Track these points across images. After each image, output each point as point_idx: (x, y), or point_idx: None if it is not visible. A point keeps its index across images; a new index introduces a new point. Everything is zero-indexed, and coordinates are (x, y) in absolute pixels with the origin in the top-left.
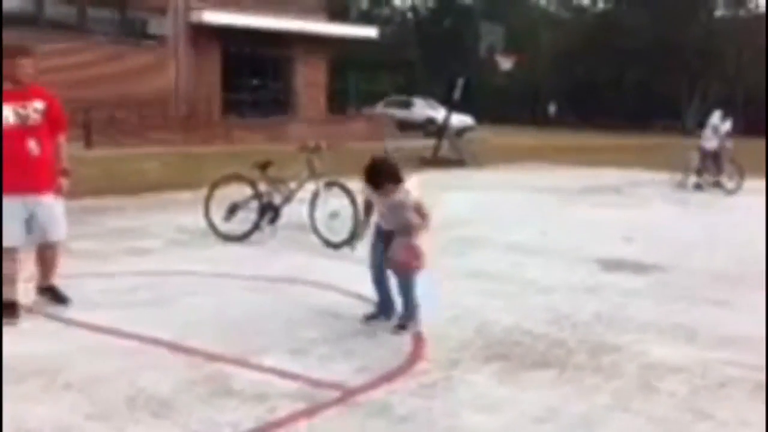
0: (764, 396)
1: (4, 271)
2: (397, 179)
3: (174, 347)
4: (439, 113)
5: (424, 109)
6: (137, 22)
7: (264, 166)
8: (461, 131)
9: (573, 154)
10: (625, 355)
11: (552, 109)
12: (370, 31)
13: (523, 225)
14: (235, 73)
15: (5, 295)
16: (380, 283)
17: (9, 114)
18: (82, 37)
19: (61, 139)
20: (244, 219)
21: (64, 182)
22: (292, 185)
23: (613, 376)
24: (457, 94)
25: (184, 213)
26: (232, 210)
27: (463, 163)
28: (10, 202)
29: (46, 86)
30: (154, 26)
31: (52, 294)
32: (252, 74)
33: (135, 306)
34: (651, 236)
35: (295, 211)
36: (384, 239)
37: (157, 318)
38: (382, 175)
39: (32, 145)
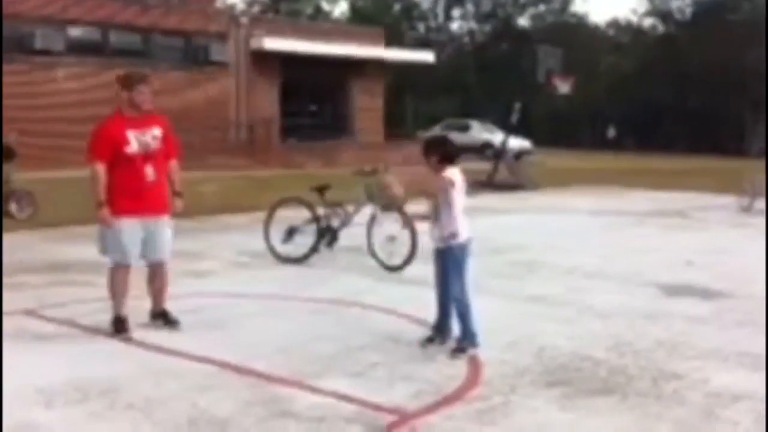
0: None
1: (119, 287)
2: (445, 159)
3: (234, 368)
4: (497, 137)
5: (481, 132)
6: (200, 49)
7: (322, 190)
8: (519, 154)
9: (633, 178)
10: (688, 382)
11: (611, 132)
12: (427, 56)
13: (582, 249)
14: (294, 98)
15: (117, 311)
16: (441, 304)
17: (132, 140)
18: (147, 65)
19: (174, 163)
20: (303, 242)
21: (179, 203)
22: (350, 208)
23: (675, 404)
24: (514, 117)
25: (243, 235)
26: (291, 233)
27: (521, 186)
28: (128, 224)
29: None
30: (217, 53)
31: (164, 319)
32: (310, 99)
33: (195, 327)
34: (715, 261)
35: (352, 234)
36: (440, 258)
37: (217, 339)
38: (434, 150)
39: (149, 171)
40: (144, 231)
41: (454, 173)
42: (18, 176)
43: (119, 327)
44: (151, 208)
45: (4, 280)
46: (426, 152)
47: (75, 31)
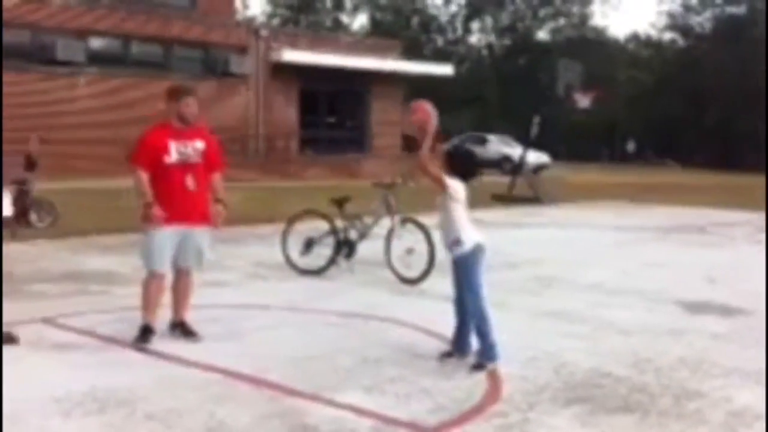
0: None
1: (151, 297)
2: (459, 173)
3: (252, 380)
4: (515, 150)
5: (499, 146)
6: (220, 61)
7: (340, 202)
8: (538, 168)
9: (653, 193)
10: (710, 401)
11: (631, 146)
12: (445, 69)
13: (601, 264)
14: (313, 110)
15: (147, 320)
16: (459, 317)
17: (172, 151)
18: (166, 76)
19: (217, 175)
20: (321, 254)
21: (221, 210)
22: (368, 221)
23: (697, 423)
24: (533, 131)
25: (261, 247)
26: (309, 245)
27: (540, 200)
28: (165, 232)
29: (132, 121)
30: (236, 65)
31: (182, 329)
32: (329, 112)
33: (213, 338)
34: (736, 278)
35: (370, 247)
36: (453, 269)
37: (234, 351)
38: (451, 162)
39: (189, 182)
40: (177, 240)
41: (456, 185)
42: (38, 185)
43: (145, 336)
44: (187, 217)
45: (24, 288)
46: (446, 162)
47: (96, 42)
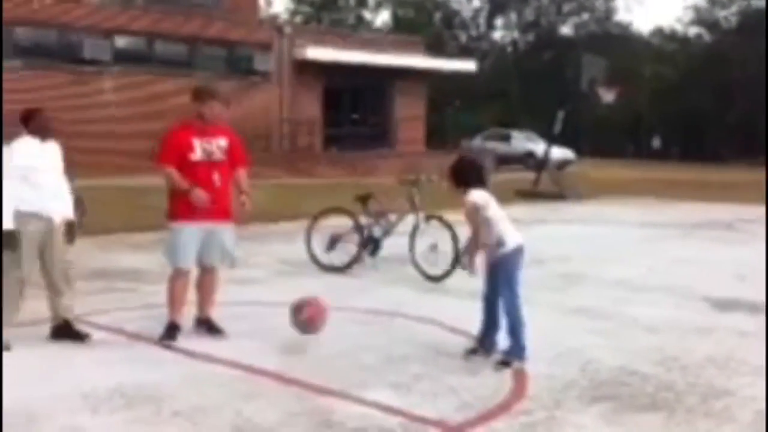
0: None
1: (177, 294)
2: (464, 184)
3: (278, 378)
4: (539, 146)
5: (523, 142)
6: (244, 59)
7: (364, 199)
8: (562, 164)
9: (679, 188)
10: (738, 399)
11: (656, 142)
12: (468, 65)
13: (627, 261)
14: (336, 107)
15: (172, 317)
16: (487, 316)
17: (197, 148)
18: (191, 74)
19: (242, 170)
20: (345, 251)
21: (246, 202)
22: (393, 218)
23: (725, 421)
24: (557, 127)
25: (285, 244)
26: (333, 242)
27: (564, 196)
28: (187, 229)
29: (156, 119)
30: (260, 62)
31: (208, 326)
32: (352, 109)
33: (238, 335)
34: (763, 275)
35: (395, 244)
36: (490, 270)
37: (260, 348)
38: (461, 175)
39: (215, 179)
40: (201, 237)
41: (474, 195)
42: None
43: (171, 333)
44: (212, 214)
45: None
46: (452, 177)
47: (121, 41)
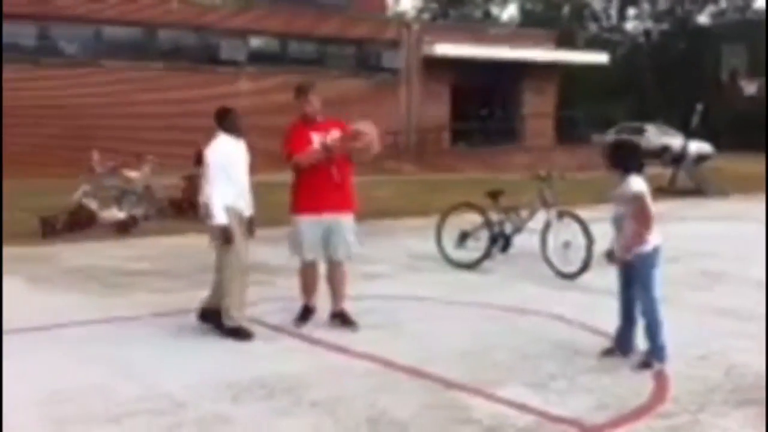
0: None
1: (306, 284)
2: (632, 168)
3: (411, 372)
4: (675, 140)
5: (657, 136)
6: (372, 56)
7: (495, 195)
8: (699, 159)
9: None
10: None
11: None
12: (600, 57)
13: None
14: (464, 102)
15: (305, 302)
16: (625, 315)
17: (316, 143)
18: (321, 73)
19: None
20: (475, 247)
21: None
22: (524, 214)
23: None
24: (695, 120)
25: (415, 239)
26: (463, 238)
27: (702, 192)
28: (307, 222)
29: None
30: (388, 59)
31: (342, 319)
32: (480, 104)
33: (372, 329)
34: None
35: (526, 241)
36: (626, 269)
37: (393, 341)
38: (621, 157)
39: (333, 171)
40: (323, 229)
41: (640, 183)
42: None
43: (305, 316)
44: (332, 207)
45: (197, 277)
46: (611, 158)
47: (256, 42)
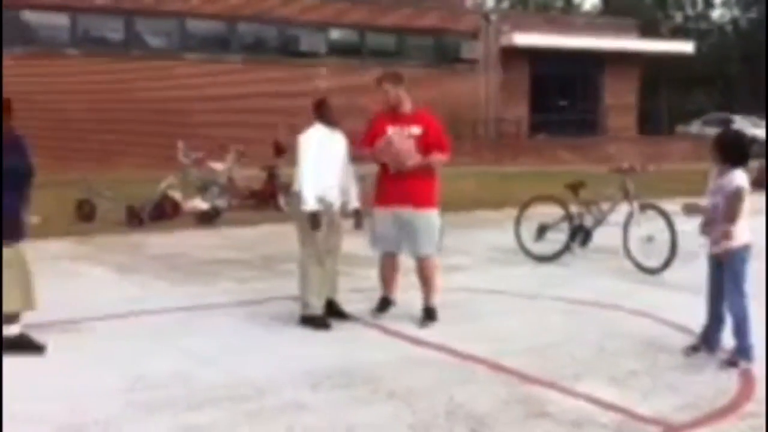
0: None
1: (383, 274)
2: (738, 161)
3: (489, 365)
4: (764, 132)
5: (746, 127)
6: (451, 47)
7: (575, 188)
8: None
9: None
10: None
11: None
12: (685, 46)
13: None
14: (543, 93)
15: (383, 293)
16: (712, 313)
17: (392, 136)
18: (399, 64)
19: (437, 154)
20: (555, 240)
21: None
22: (605, 207)
23: None
24: None
25: (494, 231)
26: (542, 231)
27: None
28: (381, 214)
29: (360, 109)
30: (467, 50)
31: (426, 313)
32: (560, 94)
33: (450, 321)
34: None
35: (607, 234)
36: (715, 265)
37: (471, 334)
38: (731, 150)
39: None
40: (396, 223)
41: (744, 178)
42: (287, 171)
43: (383, 306)
44: (406, 200)
45: (278, 267)
46: (723, 151)
47: (335, 34)
